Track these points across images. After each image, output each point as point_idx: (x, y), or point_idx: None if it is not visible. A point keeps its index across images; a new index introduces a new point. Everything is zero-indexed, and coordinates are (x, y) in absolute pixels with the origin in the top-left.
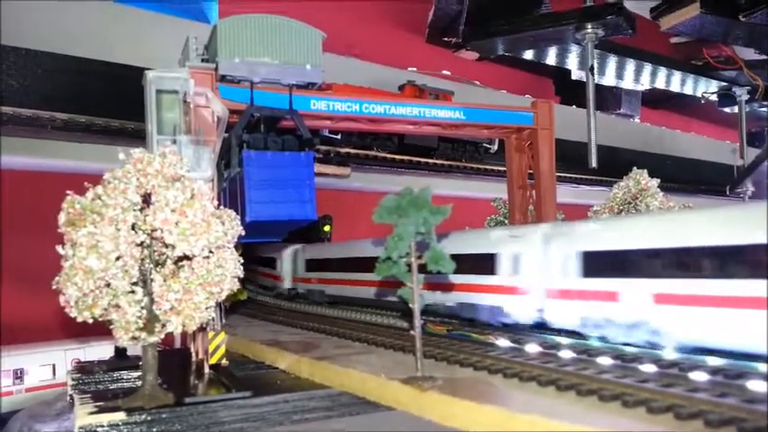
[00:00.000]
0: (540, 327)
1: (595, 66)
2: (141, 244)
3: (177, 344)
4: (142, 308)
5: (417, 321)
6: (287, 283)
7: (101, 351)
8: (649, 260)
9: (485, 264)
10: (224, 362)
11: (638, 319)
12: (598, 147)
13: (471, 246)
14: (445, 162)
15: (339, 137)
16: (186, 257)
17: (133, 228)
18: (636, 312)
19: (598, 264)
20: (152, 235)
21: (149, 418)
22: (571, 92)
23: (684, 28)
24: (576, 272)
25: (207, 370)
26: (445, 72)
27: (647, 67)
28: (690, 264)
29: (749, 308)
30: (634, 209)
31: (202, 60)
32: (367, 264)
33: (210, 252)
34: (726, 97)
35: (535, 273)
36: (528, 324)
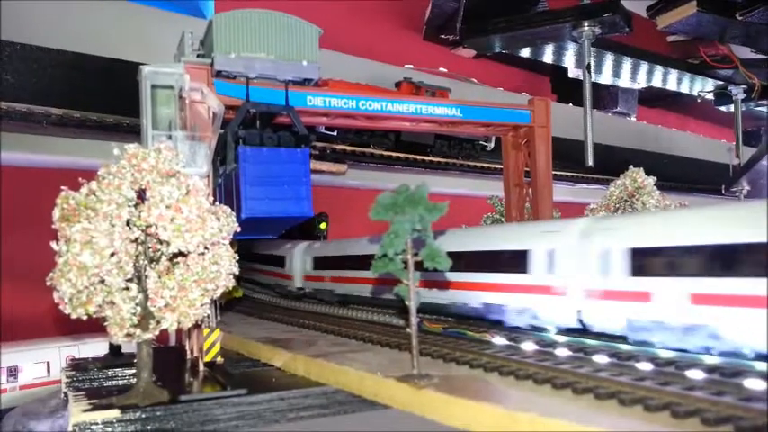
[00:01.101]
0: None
1: (592, 64)
2: (136, 240)
3: (172, 341)
4: (137, 304)
5: (414, 319)
6: None
7: (95, 348)
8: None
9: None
10: (219, 359)
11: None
12: (594, 145)
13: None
14: (442, 160)
15: (335, 134)
16: (181, 254)
17: (128, 224)
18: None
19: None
20: (147, 231)
21: (144, 415)
22: (567, 90)
23: (681, 26)
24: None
25: (202, 367)
26: (442, 69)
27: (644, 66)
28: None
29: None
30: (630, 207)
31: (198, 56)
32: None
33: (206, 248)
34: (722, 96)
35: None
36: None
